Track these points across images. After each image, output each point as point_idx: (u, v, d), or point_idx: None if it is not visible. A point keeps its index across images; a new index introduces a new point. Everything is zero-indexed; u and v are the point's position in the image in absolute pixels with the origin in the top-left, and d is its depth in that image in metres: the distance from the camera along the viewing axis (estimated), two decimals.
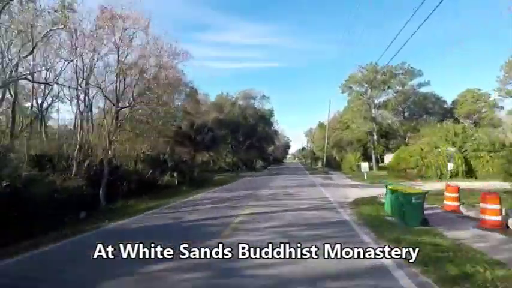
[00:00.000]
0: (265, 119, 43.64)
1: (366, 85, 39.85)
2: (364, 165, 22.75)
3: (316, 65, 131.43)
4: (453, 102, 51.25)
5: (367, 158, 42.37)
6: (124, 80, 15.45)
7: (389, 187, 8.87)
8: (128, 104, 19.33)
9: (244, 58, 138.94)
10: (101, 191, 14.00)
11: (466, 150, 24.04)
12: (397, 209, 8.17)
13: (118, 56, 14.18)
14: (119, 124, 19.62)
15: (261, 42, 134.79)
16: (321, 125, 74.44)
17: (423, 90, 43.91)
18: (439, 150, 24.20)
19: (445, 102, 49.08)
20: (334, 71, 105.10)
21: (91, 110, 21.72)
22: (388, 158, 45.27)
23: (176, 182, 19.49)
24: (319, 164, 69.30)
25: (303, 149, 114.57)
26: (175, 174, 19.71)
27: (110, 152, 17.72)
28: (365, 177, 22.59)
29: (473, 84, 72.46)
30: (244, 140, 40.20)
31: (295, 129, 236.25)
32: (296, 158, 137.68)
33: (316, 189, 15.79)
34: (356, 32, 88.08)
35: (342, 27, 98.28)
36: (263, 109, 44.04)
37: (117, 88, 17.31)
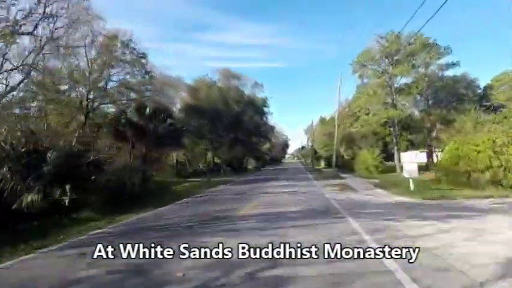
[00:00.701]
0: (255, 106, 34.04)
1: (387, 60, 30.54)
2: (411, 168, 13.41)
3: (316, 65, 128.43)
4: (485, 87, 42.43)
5: (388, 156, 33.32)
6: None
7: None
8: None
9: (244, 58, 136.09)
10: None
11: None
12: None
13: None
14: None
15: (261, 42, 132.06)
16: (322, 120, 66.63)
17: (449, 73, 34.79)
18: None
19: (478, 87, 40.02)
20: (334, 71, 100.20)
21: None
22: (402, 157, 36.09)
23: (66, 203, 10.19)
24: (322, 163, 60.55)
25: (303, 147, 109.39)
26: (67, 188, 10.43)
27: None
28: (411, 187, 13.34)
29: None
30: (227, 133, 30.78)
31: (294, 128, 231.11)
32: (295, 158, 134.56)
33: (346, 230, 6.40)
34: (356, 32, 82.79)
35: (342, 27, 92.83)
36: (253, 95, 34.53)
37: None
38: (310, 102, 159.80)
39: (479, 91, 40.46)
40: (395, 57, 30.15)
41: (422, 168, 31.96)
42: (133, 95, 19.56)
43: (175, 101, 29.93)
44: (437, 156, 40.22)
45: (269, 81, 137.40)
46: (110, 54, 17.28)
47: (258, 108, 34.79)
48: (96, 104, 19.00)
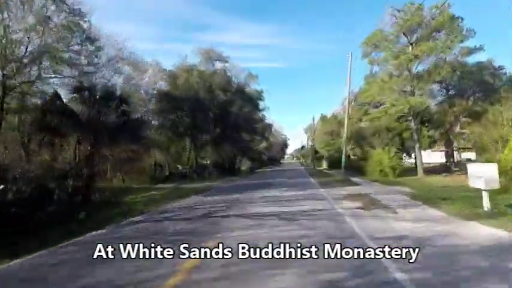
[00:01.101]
0: (247, 95, 28.56)
1: (405, 38, 25.27)
2: (487, 175, 8.00)
3: (316, 65, 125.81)
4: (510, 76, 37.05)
5: (408, 155, 28.06)
6: None
7: None
8: None
9: (244, 58, 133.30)
10: None
11: None
12: None
13: None
14: None
15: (261, 42, 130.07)
16: (323, 118, 61.96)
17: (471, 59, 29.60)
18: None
19: (505, 74, 34.69)
20: (334, 71, 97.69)
21: None
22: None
23: None
24: (324, 164, 55.42)
25: (303, 147, 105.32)
26: None
27: None
28: (486, 207, 7.98)
29: None
30: (213, 128, 25.36)
31: (294, 128, 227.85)
32: (295, 158, 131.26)
33: None
34: (356, 31, 79.01)
35: (342, 27, 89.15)
36: (243, 83, 29.09)
37: None
38: (310, 102, 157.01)
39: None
40: (415, 35, 24.92)
41: (439, 170, 26.75)
42: (69, 71, 14.18)
43: (150, 91, 24.58)
44: (460, 155, 34.87)
45: (269, 81, 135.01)
46: (27, 8, 11.88)
47: (251, 99, 29.37)
48: (16, 83, 13.58)
